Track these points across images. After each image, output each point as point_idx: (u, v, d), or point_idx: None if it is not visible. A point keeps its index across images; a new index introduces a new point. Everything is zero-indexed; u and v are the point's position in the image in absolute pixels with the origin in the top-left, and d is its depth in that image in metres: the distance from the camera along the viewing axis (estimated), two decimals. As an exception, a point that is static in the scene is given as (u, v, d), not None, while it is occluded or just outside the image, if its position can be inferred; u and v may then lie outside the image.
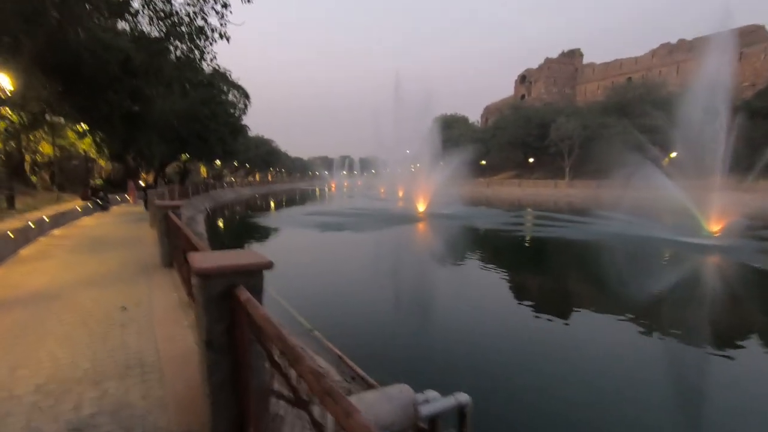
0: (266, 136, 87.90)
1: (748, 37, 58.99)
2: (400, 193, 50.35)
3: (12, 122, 11.93)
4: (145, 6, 10.78)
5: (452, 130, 73.58)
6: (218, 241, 17.84)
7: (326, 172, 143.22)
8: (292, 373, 1.58)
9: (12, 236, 8.62)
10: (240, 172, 78.41)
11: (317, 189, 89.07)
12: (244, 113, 35.22)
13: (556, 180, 61.42)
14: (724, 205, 19.19)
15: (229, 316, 2.44)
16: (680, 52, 70.17)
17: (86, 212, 16.46)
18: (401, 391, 2.82)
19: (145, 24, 10.97)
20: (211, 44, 11.09)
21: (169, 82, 15.07)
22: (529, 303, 9.19)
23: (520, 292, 10.45)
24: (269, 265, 2.47)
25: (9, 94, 9.61)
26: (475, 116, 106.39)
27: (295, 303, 7.45)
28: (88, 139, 19.65)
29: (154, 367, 3.39)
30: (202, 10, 10.46)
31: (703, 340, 7.27)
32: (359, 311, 8.46)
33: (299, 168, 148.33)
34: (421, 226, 22.61)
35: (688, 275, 12.33)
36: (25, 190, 16.87)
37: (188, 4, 10.33)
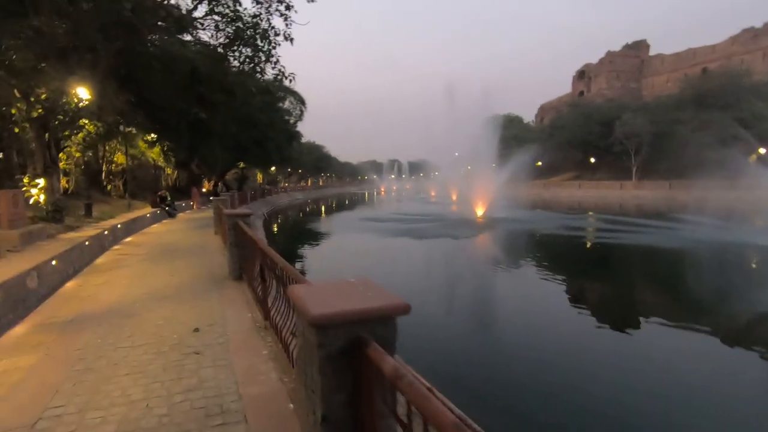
0: (317, 142, 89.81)
1: None
2: (454, 197, 49.02)
3: (89, 132, 12.52)
4: (211, 12, 10.81)
5: (506, 131, 70.82)
6: (278, 246, 17.79)
7: (375, 177, 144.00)
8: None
9: (89, 245, 8.71)
10: (293, 177, 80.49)
11: (366, 193, 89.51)
12: (300, 119, 35.67)
13: (622, 181, 56.97)
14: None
15: (351, 382, 1.75)
16: (767, 37, 63.00)
17: (155, 219, 17.01)
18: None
19: (210, 30, 11.02)
20: (274, 47, 10.91)
21: (231, 89, 15.21)
22: (637, 325, 7.94)
23: (625, 316, 9.09)
24: (406, 309, 1.75)
25: (86, 104, 9.93)
26: (529, 116, 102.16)
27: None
28: (157, 148, 20.57)
29: (237, 415, 2.79)
30: (267, 10, 10.28)
31: None
32: (438, 333, 7.63)
33: (349, 172, 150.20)
34: (483, 231, 21.26)
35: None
36: (101, 198, 17.78)
37: (256, 2, 10.15)
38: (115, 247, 10.74)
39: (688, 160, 48.52)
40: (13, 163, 12.99)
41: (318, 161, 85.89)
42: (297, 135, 40.41)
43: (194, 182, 29.41)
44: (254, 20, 10.30)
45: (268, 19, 10.41)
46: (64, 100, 9.50)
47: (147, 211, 17.42)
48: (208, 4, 11.17)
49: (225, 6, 10.70)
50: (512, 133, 71.04)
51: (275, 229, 27.04)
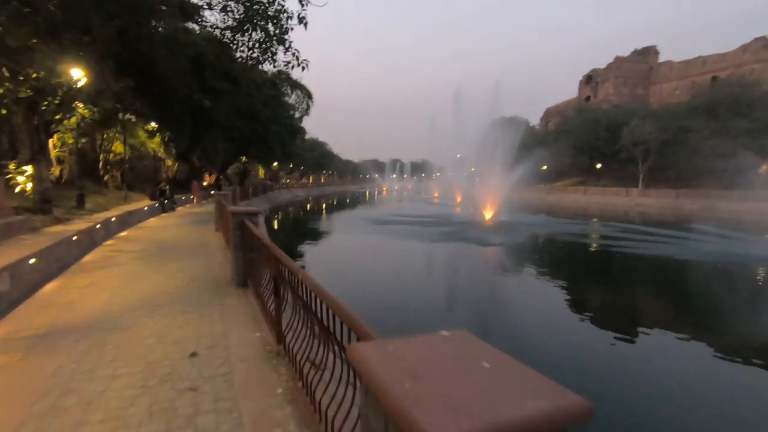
0: (320, 139, 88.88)
1: None
2: (458, 198, 48.18)
3: (84, 117, 11.68)
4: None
5: (513, 134, 69.89)
6: (281, 245, 16.84)
7: (376, 176, 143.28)
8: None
9: (76, 240, 7.90)
10: (295, 173, 79.62)
11: (367, 192, 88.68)
12: (307, 114, 34.73)
13: (628, 188, 56.23)
14: None
15: None
16: (779, 47, 62.29)
17: (153, 213, 16.19)
18: None
19: (217, 13, 10.17)
20: (287, 31, 10.05)
21: (236, 78, 14.39)
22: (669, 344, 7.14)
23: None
24: (587, 414, 0.94)
25: (81, 87, 9.11)
26: (534, 119, 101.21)
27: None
28: (157, 138, 19.71)
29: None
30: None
31: None
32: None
33: (350, 171, 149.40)
34: (495, 236, 19.76)
35: None
36: (97, 189, 16.96)
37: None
38: (108, 242, 9.93)
39: (697, 169, 47.82)
40: (3, 148, 12.17)
41: (320, 158, 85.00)
42: (301, 130, 39.58)
43: (195, 175, 28.56)
44: (267, 1, 9.47)
45: (281, 1, 9.58)
46: (55, 81, 8.67)
47: (145, 204, 16.60)
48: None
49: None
50: (518, 136, 70.05)
51: (281, 226, 26.20)
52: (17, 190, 9.78)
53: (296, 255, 15.23)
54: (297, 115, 35.35)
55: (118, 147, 20.10)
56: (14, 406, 2.80)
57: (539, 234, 21.05)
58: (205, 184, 32.32)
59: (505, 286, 11.39)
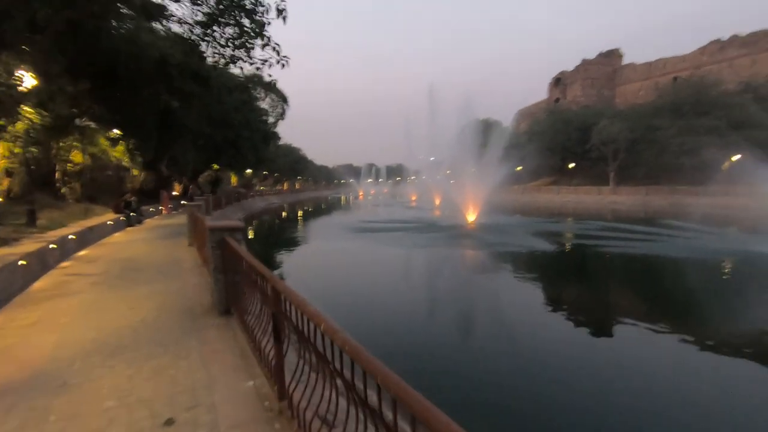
0: (293, 145, 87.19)
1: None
2: (437, 201, 47.87)
3: (34, 124, 10.35)
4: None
5: (485, 137, 70.53)
6: (259, 257, 15.65)
7: (352, 180, 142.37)
8: None
9: (24, 264, 6.77)
10: (269, 180, 77.69)
11: (343, 197, 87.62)
12: (282, 118, 33.49)
13: (599, 186, 57.70)
14: None
15: None
16: (732, 48, 65.48)
17: (117, 227, 14.85)
18: None
19: (187, 3, 9.13)
20: (264, 25, 9.13)
21: (207, 80, 13.32)
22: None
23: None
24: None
25: (27, 89, 7.94)
26: (506, 121, 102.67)
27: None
28: (120, 147, 18.24)
29: None
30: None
31: None
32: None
33: (325, 176, 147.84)
34: (486, 241, 18.79)
35: None
36: (53, 203, 15.42)
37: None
38: (64, 264, 8.74)
39: (665, 166, 49.48)
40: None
41: (294, 164, 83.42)
42: (274, 136, 38.30)
43: (163, 185, 26.94)
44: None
45: (256, -8, 8.67)
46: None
47: (108, 217, 15.22)
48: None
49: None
50: (491, 139, 70.74)
51: (257, 236, 24.92)
52: (-47, 207, 8.49)
53: (275, 266, 14.19)
54: (272, 119, 34.08)
55: (76, 156, 18.52)
56: None
57: (530, 236, 20.45)
58: (174, 193, 30.65)
59: (519, 296, 10.51)
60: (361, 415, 1.77)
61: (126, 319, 4.91)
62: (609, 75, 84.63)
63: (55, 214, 13.90)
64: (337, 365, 1.97)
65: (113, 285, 6.70)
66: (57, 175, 18.17)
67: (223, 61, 9.72)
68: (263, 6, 8.85)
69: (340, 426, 2.07)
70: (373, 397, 1.63)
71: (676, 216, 32.77)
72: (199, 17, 9.38)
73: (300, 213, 43.12)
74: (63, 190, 17.94)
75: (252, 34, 8.59)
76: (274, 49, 8.47)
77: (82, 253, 10.16)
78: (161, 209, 22.97)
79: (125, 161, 20.95)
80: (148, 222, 18.11)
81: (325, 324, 1.98)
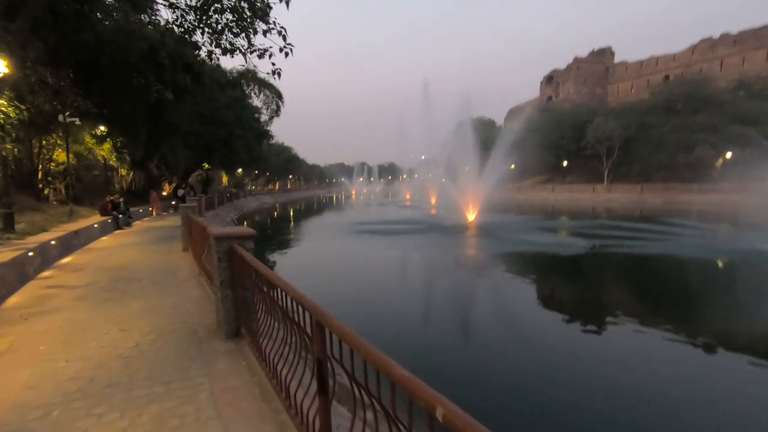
0: (285, 144, 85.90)
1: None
2: (433, 200, 47.26)
3: (10, 118, 9.42)
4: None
5: (480, 134, 70.13)
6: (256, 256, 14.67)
7: (344, 180, 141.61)
8: None
9: (-3, 276, 5.93)
10: (260, 180, 76.47)
11: (335, 196, 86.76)
12: (277, 115, 32.41)
13: (594, 184, 57.71)
14: None
15: None
16: (724, 47, 65.85)
17: (105, 230, 13.92)
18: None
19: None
20: (269, 9, 8.32)
21: (199, 73, 12.46)
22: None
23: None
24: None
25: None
26: (498, 120, 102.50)
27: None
28: (107, 145, 17.24)
29: None
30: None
31: None
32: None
33: (317, 175, 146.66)
34: (491, 242, 17.89)
35: None
36: (35, 205, 14.43)
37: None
38: (44, 273, 7.87)
39: (659, 163, 49.55)
40: None
41: (286, 163, 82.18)
42: (267, 134, 37.26)
43: (153, 185, 25.88)
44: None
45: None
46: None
47: (95, 220, 14.29)
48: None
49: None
50: (486, 136, 70.42)
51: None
52: None
53: (272, 268, 13.26)
54: (266, 116, 33.04)
55: (60, 155, 17.47)
56: None
57: (540, 236, 19.66)
58: (164, 194, 29.58)
59: (557, 305, 9.76)
60: None
61: (117, 346, 4.12)
62: (601, 73, 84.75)
63: (37, 217, 12.95)
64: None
65: (101, 299, 5.89)
66: (39, 175, 17.13)
67: (218, 51, 8.89)
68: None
69: None
70: None
71: (673, 213, 32.73)
72: (193, 1, 8.57)
73: (294, 213, 42.20)
74: (46, 191, 16.92)
75: (255, 15, 7.77)
76: (279, 33, 7.67)
77: (65, 260, 9.29)
78: (151, 210, 21.98)
79: (112, 160, 19.91)
80: (138, 224, 17.17)
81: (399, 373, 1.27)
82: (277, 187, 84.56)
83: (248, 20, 7.96)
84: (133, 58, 11.78)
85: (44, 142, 16.21)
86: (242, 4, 8.19)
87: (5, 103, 8.66)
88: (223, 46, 8.90)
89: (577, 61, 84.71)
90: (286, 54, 8.06)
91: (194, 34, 9.36)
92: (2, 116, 8.59)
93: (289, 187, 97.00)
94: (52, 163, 17.62)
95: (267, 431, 2.64)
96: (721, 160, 47.57)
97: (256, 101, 31.98)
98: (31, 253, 7.68)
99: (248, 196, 50.22)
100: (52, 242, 9.19)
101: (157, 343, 4.19)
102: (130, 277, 7.36)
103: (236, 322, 4.33)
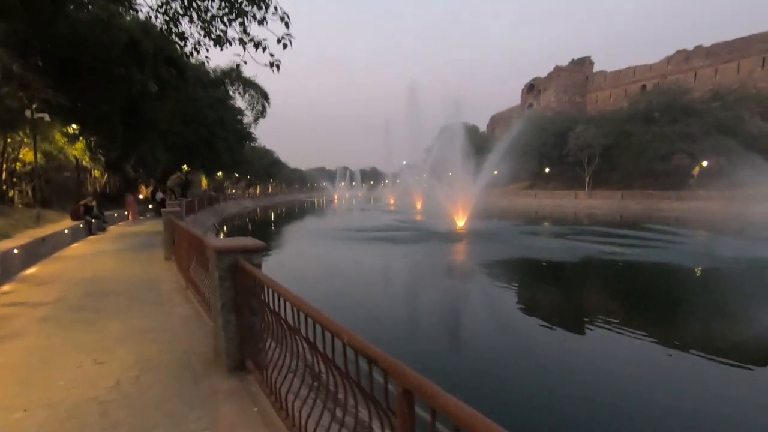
0: (267, 147, 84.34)
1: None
2: (418, 206, 46.87)
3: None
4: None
5: (464, 140, 70.40)
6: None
7: (325, 184, 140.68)
8: None
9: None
10: (241, 183, 74.71)
11: (316, 200, 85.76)
12: (263, 116, 31.29)
13: (576, 190, 58.73)
14: None
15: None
16: (697, 59, 68.14)
17: (76, 236, 12.80)
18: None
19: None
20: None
21: (182, 68, 11.57)
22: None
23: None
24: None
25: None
26: (480, 126, 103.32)
27: None
28: (80, 144, 16.03)
29: None
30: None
31: None
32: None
33: (298, 179, 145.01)
34: (487, 251, 17.20)
35: None
36: (-2, 208, 13.21)
37: None
38: (4, 287, 6.89)
39: (639, 171, 50.66)
40: None
41: (268, 167, 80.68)
42: (249, 136, 36.09)
43: (129, 188, 24.51)
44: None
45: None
46: None
47: (65, 225, 13.15)
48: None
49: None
50: (469, 143, 70.65)
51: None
52: None
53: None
54: (250, 117, 31.93)
55: (27, 155, 16.17)
56: None
57: (535, 244, 19.28)
58: (141, 197, 28.14)
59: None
60: None
61: (91, 385, 3.32)
62: (581, 82, 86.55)
63: (0, 222, 11.77)
64: None
65: (71, 321, 5.02)
66: (3, 176, 15.79)
67: (208, 41, 8.08)
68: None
69: None
70: None
71: (654, 220, 33.21)
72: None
73: (276, 217, 41.05)
74: (11, 193, 15.60)
75: (252, 2, 7.02)
76: (282, 19, 6.96)
77: (30, 271, 8.26)
78: (127, 215, 20.70)
79: (86, 161, 18.61)
80: (113, 229, 16.01)
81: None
82: (258, 191, 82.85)
83: (241, 5, 7.17)
84: (116, 52, 10.82)
85: (9, 139, 14.92)
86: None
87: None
88: (214, 35, 8.06)
89: (558, 70, 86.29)
90: (285, 45, 7.31)
91: (180, 23, 8.53)
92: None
93: (270, 191, 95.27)
94: (18, 163, 16.29)
95: None
96: (697, 169, 48.85)
97: (240, 102, 30.90)
98: (-12, 264, 6.71)
99: (229, 200, 48.80)
100: (15, 251, 8.18)
101: (142, 380, 3.41)
102: (106, 291, 6.47)
103: (240, 353, 3.59)
